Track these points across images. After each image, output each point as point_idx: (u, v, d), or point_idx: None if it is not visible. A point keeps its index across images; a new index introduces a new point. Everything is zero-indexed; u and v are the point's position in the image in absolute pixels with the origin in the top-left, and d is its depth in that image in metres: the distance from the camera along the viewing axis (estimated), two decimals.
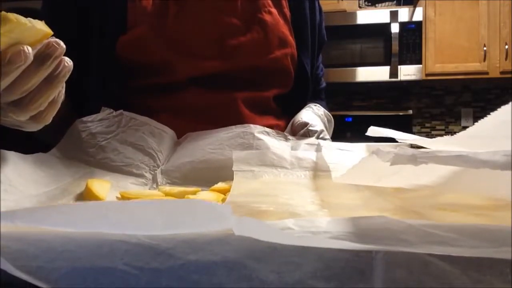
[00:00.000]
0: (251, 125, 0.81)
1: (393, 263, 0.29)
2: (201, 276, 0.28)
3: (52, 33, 0.54)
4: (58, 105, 0.58)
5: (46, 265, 0.28)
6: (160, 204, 0.33)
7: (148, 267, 0.28)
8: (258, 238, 0.28)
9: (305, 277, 0.28)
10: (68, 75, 0.57)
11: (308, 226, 0.32)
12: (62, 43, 0.55)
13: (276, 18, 0.95)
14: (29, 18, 0.51)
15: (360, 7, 3.69)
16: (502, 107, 0.48)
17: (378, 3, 3.73)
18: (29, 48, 0.51)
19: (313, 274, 0.28)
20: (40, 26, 0.52)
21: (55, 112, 0.59)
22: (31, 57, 0.51)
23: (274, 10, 0.95)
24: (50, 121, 0.59)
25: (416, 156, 0.40)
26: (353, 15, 3.57)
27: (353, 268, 0.29)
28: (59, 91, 0.58)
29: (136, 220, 0.29)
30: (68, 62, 0.56)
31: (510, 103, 0.46)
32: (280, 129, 0.95)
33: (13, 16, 0.48)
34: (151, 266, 0.28)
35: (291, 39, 0.97)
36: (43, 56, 0.52)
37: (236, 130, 0.81)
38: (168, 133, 0.82)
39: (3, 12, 0.47)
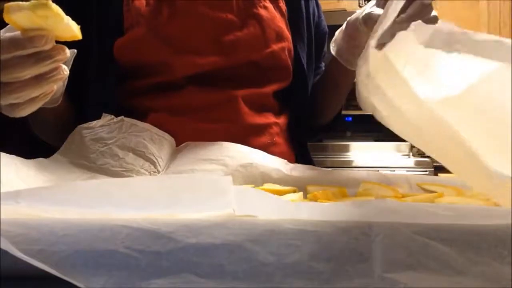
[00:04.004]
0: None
1: (392, 245, 0.30)
2: (201, 258, 0.28)
3: (80, 37, 0.59)
4: (37, 106, 0.61)
5: (47, 248, 0.28)
6: (162, 181, 0.33)
7: (149, 250, 0.28)
8: (258, 214, 0.29)
9: (304, 259, 0.29)
10: (58, 83, 0.60)
11: (307, 204, 0.32)
12: (67, 51, 0.57)
13: (271, 12, 0.95)
14: (68, 17, 0.56)
15: (360, 6, 3.68)
16: None
17: None
18: (53, 39, 0.56)
19: (312, 256, 0.29)
20: (74, 27, 0.58)
21: (32, 110, 0.61)
22: (50, 46, 0.55)
23: (269, 5, 0.95)
24: (25, 115, 0.61)
25: (454, 38, 0.39)
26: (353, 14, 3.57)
27: (352, 250, 0.29)
28: (44, 93, 0.60)
29: (138, 199, 0.30)
30: (64, 71, 0.59)
31: None
32: (279, 127, 0.95)
33: (55, 6, 0.53)
34: (152, 249, 0.28)
35: (287, 33, 0.97)
36: (45, 55, 0.55)
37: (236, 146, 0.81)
38: (168, 139, 0.82)
39: (49, 1, 0.52)
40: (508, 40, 0.40)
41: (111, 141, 0.75)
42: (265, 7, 0.94)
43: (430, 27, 0.43)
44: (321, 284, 0.28)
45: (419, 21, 0.50)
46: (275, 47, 0.93)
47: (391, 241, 0.30)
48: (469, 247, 0.30)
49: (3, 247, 0.28)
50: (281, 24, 0.96)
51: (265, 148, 0.85)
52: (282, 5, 0.98)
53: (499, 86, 0.42)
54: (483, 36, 0.41)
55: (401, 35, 0.47)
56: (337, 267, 0.29)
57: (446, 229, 0.31)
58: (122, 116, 0.79)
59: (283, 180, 0.73)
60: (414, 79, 0.48)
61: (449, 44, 0.41)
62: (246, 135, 0.88)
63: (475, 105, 0.44)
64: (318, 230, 0.30)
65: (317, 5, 1.09)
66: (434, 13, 0.74)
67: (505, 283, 0.28)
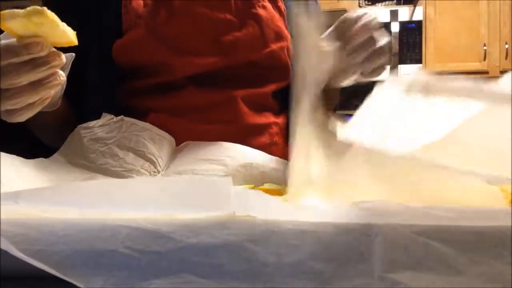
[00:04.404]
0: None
1: (393, 245, 0.30)
2: (202, 258, 0.28)
3: (76, 43, 0.60)
4: (34, 111, 0.62)
5: (47, 248, 0.28)
6: (162, 182, 0.34)
7: (149, 250, 0.28)
8: (258, 216, 0.29)
9: (304, 259, 0.29)
10: (56, 89, 0.60)
11: (308, 206, 0.32)
12: (63, 57, 0.58)
13: (270, 12, 0.95)
14: (63, 23, 0.57)
15: (360, 6, 3.69)
16: None
17: (378, 2, 3.73)
18: (49, 45, 0.56)
19: (312, 256, 0.29)
20: (70, 33, 0.58)
21: (29, 115, 0.62)
22: (46, 52, 0.56)
23: (268, 4, 0.95)
24: (23, 120, 0.62)
25: (430, 86, 0.40)
26: None
27: (352, 250, 0.29)
28: (41, 99, 0.60)
29: (138, 200, 0.30)
30: (61, 77, 0.59)
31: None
32: (278, 127, 0.95)
33: (50, 13, 0.54)
34: (152, 249, 0.28)
35: (286, 32, 0.97)
36: (41, 61, 0.55)
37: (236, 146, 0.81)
38: (168, 139, 0.82)
39: (44, 8, 0.53)
40: (485, 84, 0.41)
41: (110, 141, 0.75)
42: (264, 7, 0.94)
43: (408, 78, 0.45)
44: (321, 284, 0.28)
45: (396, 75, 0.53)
46: (274, 46, 0.93)
47: (391, 241, 0.30)
48: (469, 247, 0.30)
49: (3, 247, 0.28)
50: (280, 23, 0.96)
51: (265, 148, 0.85)
52: (281, 5, 0.98)
53: (484, 125, 0.43)
54: (460, 82, 0.42)
55: (380, 86, 0.48)
56: (337, 267, 0.29)
57: (446, 229, 0.31)
58: (122, 116, 0.79)
59: (283, 180, 0.73)
60: (396, 127, 0.50)
61: (428, 91, 0.42)
62: (246, 135, 0.88)
63: (461, 144, 0.45)
64: (318, 230, 0.30)
65: (316, 3, 1.09)
66: (382, 41, 0.77)
67: (505, 283, 0.28)
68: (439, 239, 0.30)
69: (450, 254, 0.30)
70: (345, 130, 0.55)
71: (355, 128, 0.54)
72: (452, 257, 0.30)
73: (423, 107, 0.45)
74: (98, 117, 0.79)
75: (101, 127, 0.77)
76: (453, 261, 0.29)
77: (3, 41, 0.56)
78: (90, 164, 0.72)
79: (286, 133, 0.98)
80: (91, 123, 0.77)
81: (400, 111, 0.48)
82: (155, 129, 0.80)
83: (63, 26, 0.56)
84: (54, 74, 0.59)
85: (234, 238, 0.29)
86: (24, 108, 0.59)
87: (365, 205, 0.34)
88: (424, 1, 3.57)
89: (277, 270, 0.28)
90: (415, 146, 0.50)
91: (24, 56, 0.55)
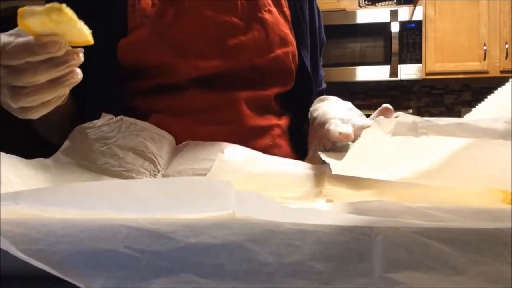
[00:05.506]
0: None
1: (393, 245, 0.30)
2: (202, 258, 0.28)
3: (92, 43, 0.59)
4: (50, 108, 0.61)
5: (48, 248, 0.28)
6: (162, 183, 0.34)
7: (149, 250, 0.28)
8: (257, 217, 0.29)
9: (305, 259, 0.29)
10: (71, 86, 0.60)
11: (308, 208, 0.32)
12: (81, 56, 0.57)
13: (276, 17, 0.95)
14: (80, 21, 0.56)
15: (360, 6, 3.70)
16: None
17: (378, 2, 3.73)
18: (66, 44, 0.56)
19: (312, 256, 0.29)
20: (86, 32, 0.57)
21: (44, 113, 0.62)
22: (63, 52, 0.55)
23: (274, 9, 0.95)
24: (37, 117, 0.62)
25: (417, 125, 0.40)
26: (353, 14, 3.58)
27: (352, 250, 0.29)
28: (56, 97, 0.60)
29: (138, 201, 0.30)
30: (78, 75, 0.59)
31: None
32: (281, 129, 0.95)
33: (68, 10, 0.53)
34: (152, 249, 0.28)
35: (291, 38, 0.97)
36: (59, 61, 0.55)
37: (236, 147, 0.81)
38: (168, 138, 0.81)
39: (63, 5, 0.52)
40: (468, 121, 0.42)
41: (110, 141, 0.75)
42: (270, 12, 0.94)
43: (393, 120, 0.45)
44: (321, 284, 0.28)
45: (381, 117, 0.53)
46: (279, 51, 0.93)
47: (391, 241, 0.30)
48: (469, 246, 0.30)
49: (3, 247, 0.28)
50: (285, 29, 0.96)
51: (267, 150, 0.85)
52: (286, 10, 0.98)
53: (474, 157, 0.44)
54: (445, 120, 0.43)
55: (367, 131, 0.49)
56: (337, 267, 0.29)
57: (446, 229, 0.31)
58: (122, 116, 0.79)
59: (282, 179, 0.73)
60: (387, 163, 0.51)
61: (415, 130, 0.43)
62: (248, 137, 0.88)
63: (452, 174, 0.46)
64: (318, 230, 0.30)
65: (319, 14, 1.09)
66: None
67: (505, 283, 0.28)
68: (439, 239, 0.30)
69: (450, 254, 0.30)
70: (340, 165, 0.57)
71: (349, 164, 0.55)
72: (452, 257, 0.30)
73: (412, 144, 0.46)
74: (100, 116, 0.78)
75: (101, 127, 0.77)
76: (453, 261, 0.29)
77: (20, 39, 0.55)
78: (90, 164, 0.72)
79: (288, 135, 0.98)
80: (91, 123, 0.77)
81: (390, 149, 0.49)
82: (155, 129, 0.80)
83: (80, 24, 0.56)
84: (71, 72, 0.58)
85: (234, 238, 0.29)
86: (39, 106, 0.59)
87: (365, 205, 0.34)
88: (424, 1, 3.57)
89: (277, 270, 0.28)
90: (407, 173, 0.52)
91: (41, 55, 0.55)
